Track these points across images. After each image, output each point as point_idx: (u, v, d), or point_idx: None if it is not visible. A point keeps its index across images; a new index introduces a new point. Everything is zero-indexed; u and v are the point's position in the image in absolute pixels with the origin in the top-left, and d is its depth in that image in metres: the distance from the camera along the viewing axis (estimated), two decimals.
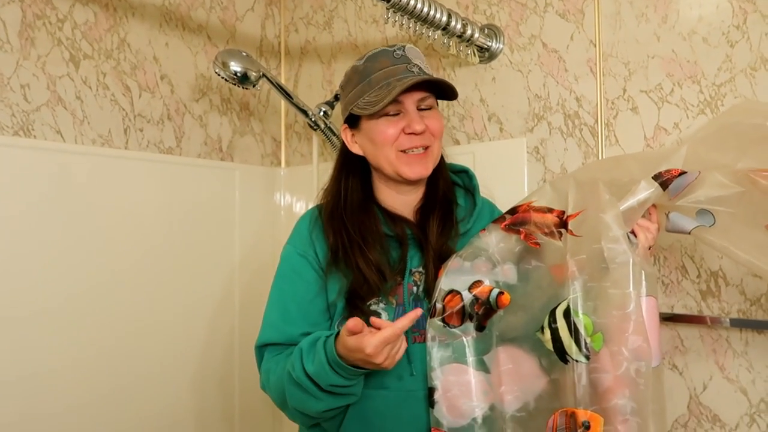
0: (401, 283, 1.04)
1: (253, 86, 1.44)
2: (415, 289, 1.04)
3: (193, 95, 1.67)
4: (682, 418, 1.20)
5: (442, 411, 0.94)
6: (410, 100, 1.04)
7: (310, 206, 1.79)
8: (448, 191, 1.12)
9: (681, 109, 1.20)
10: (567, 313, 0.88)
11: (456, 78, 1.53)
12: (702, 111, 1.18)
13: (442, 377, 0.95)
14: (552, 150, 1.37)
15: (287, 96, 1.52)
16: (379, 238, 1.06)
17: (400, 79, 1.02)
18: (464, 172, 1.18)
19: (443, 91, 1.08)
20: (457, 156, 1.44)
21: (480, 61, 1.46)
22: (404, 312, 1.02)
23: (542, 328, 0.90)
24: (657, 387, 0.88)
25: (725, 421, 1.16)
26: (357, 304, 1.02)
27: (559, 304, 0.89)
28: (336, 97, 1.58)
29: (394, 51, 1.06)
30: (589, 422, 0.83)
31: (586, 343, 0.86)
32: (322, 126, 1.56)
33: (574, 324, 0.87)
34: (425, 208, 1.10)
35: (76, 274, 1.37)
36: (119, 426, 1.44)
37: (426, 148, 1.06)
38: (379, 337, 0.86)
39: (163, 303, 1.54)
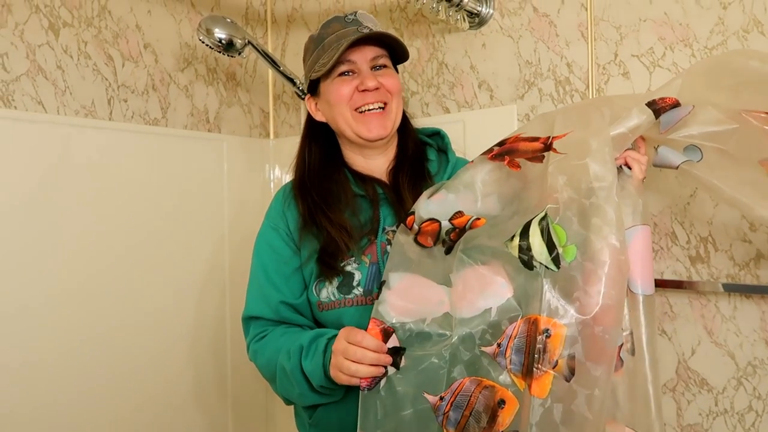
0: (374, 242, 1.05)
1: (239, 54, 1.41)
2: (388, 247, 1.03)
3: (177, 65, 1.64)
4: (670, 383, 1.22)
5: (386, 306, 0.89)
6: (362, 59, 1.06)
7: None
8: (417, 150, 1.14)
9: (673, 74, 1.19)
10: (543, 220, 0.85)
11: (446, 45, 1.50)
12: None
13: (398, 279, 0.92)
14: None
15: (274, 64, 1.49)
16: (346, 199, 1.08)
17: (349, 39, 1.03)
18: (437, 134, 1.19)
19: (396, 52, 1.10)
20: (447, 124, 1.42)
21: (470, 26, 1.43)
22: (378, 271, 1.03)
23: (512, 238, 0.86)
24: (649, 316, 0.86)
25: (713, 384, 1.17)
26: (329, 263, 1.04)
27: (536, 215, 0.86)
28: None
29: (346, 16, 1.08)
30: (549, 329, 0.79)
31: (558, 252, 0.82)
32: None
33: (548, 231, 0.83)
34: (396, 168, 1.11)
35: (60, 249, 1.35)
36: (115, 404, 1.44)
37: (383, 106, 1.07)
38: (370, 340, 0.87)
39: (150, 278, 1.53)
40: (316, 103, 1.14)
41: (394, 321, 0.89)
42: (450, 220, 0.94)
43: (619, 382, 0.86)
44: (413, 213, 0.97)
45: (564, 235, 0.83)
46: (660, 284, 1.19)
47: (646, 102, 0.89)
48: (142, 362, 1.51)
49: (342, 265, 1.03)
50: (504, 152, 0.96)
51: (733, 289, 1.13)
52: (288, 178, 1.83)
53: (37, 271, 1.31)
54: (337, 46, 1.03)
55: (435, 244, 0.94)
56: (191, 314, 1.63)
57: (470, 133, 1.44)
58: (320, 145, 1.15)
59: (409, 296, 0.91)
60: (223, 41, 1.38)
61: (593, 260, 0.81)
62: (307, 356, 0.97)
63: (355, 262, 1.04)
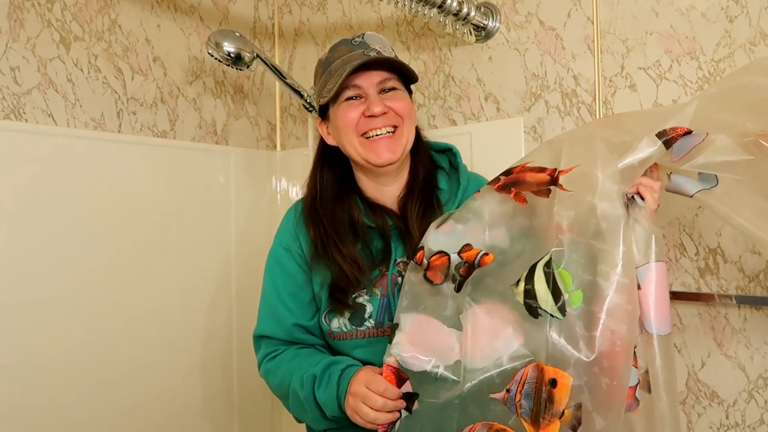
0: (386, 274, 1.04)
1: (247, 67, 1.42)
2: (399, 279, 1.03)
3: (186, 78, 1.65)
4: (680, 396, 1.21)
5: (399, 350, 0.89)
6: (368, 83, 1.04)
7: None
8: (429, 177, 1.10)
9: (680, 86, 1.19)
10: (548, 266, 0.82)
11: (452, 58, 1.51)
12: (701, 87, 1.17)
13: (410, 321, 0.91)
14: (549, 129, 1.36)
15: (281, 77, 1.50)
16: (357, 230, 1.05)
17: (354, 64, 1.01)
18: (449, 150, 1.16)
19: (404, 73, 1.07)
20: (454, 137, 1.42)
21: (476, 40, 1.44)
22: (389, 303, 1.03)
23: (517, 282, 0.85)
24: (665, 356, 0.83)
25: (723, 397, 1.17)
26: (340, 298, 1.03)
27: (542, 258, 0.84)
28: None
29: (353, 39, 1.06)
30: (556, 380, 0.78)
31: (563, 299, 0.80)
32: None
33: (553, 277, 0.81)
34: (406, 197, 1.08)
35: (69, 261, 1.36)
36: (118, 416, 1.44)
37: (393, 130, 1.04)
38: (392, 390, 0.88)
39: (158, 289, 1.53)
40: (327, 128, 1.12)
41: (407, 367, 0.89)
42: (459, 253, 0.93)
43: (635, 421, 0.84)
44: (422, 247, 0.96)
45: (570, 280, 0.81)
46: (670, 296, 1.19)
47: (657, 132, 0.85)
48: (147, 373, 1.50)
49: (353, 296, 1.03)
50: (510, 183, 0.93)
51: (743, 300, 1.13)
52: (295, 190, 1.85)
53: (44, 283, 1.32)
54: (342, 71, 1.01)
55: (445, 279, 0.93)
56: (199, 325, 1.63)
57: (477, 144, 1.45)
58: (332, 169, 1.12)
59: (421, 341, 0.90)
60: (232, 54, 1.39)
61: (600, 306, 0.79)
62: (320, 386, 0.98)
63: (366, 294, 1.03)
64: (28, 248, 1.29)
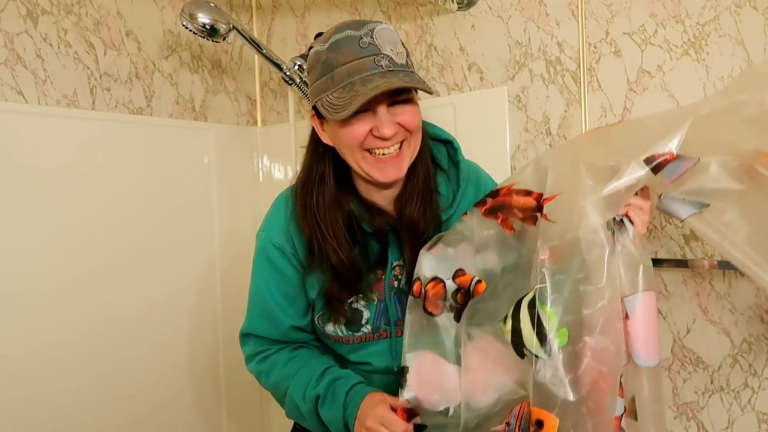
0: (382, 279, 1.01)
1: (224, 39, 1.38)
2: (396, 283, 1.01)
3: (161, 52, 1.60)
4: (665, 362, 1.21)
5: (409, 394, 0.91)
6: (379, 100, 0.90)
7: (289, 168, 1.77)
8: (428, 178, 1.02)
9: (665, 51, 1.18)
10: (532, 304, 0.80)
11: (434, 27, 1.48)
12: (686, 52, 1.16)
13: (415, 361, 0.92)
14: (534, 98, 1.34)
15: (259, 49, 1.46)
16: (355, 234, 0.99)
17: (364, 79, 0.87)
18: (449, 143, 1.08)
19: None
20: (437, 108, 1.40)
21: (458, 7, 1.41)
22: (385, 308, 1.01)
23: (505, 318, 0.84)
24: (653, 388, 0.81)
25: (708, 362, 1.17)
26: (337, 308, 1.00)
27: (527, 294, 0.82)
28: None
29: (361, 38, 0.88)
30: (542, 421, 0.77)
31: (548, 338, 0.78)
32: (298, 80, 1.51)
33: (538, 316, 0.79)
34: (405, 200, 1.01)
35: (43, 247, 1.32)
36: (107, 405, 1.42)
37: (400, 146, 0.94)
38: (403, 427, 0.90)
39: (139, 273, 1.50)
40: (322, 125, 0.97)
41: (419, 407, 0.91)
42: (453, 278, 0.92)
43: None
44: (418, 278, 0.94)
45: (555, 318, 0.79)
46: (654, 263, 1.18)
47: (645, 157, 0.81)
48: (135, 364, 1.48)
49: (349, 302, 1.00)
50: (497, 207, 0.91)
51: (727, 266, 1.12)
52: (278, 167, 1.82)
53: (19, 266, 1.28)
54: (349, 85, 0.87)
55: (444, 310, 0.92)
56: (183, 308, 1.60)
57: (461, 116, 1.42)
58: (329, 169, 1.00)
59: (429, 381, 0.91)
60: (207, 26, 1.35)
61: (585, 346, 0.78)
62: (324, 404, 0.97)
63: (363, 299, 1.01)
64: None
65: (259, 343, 1.06)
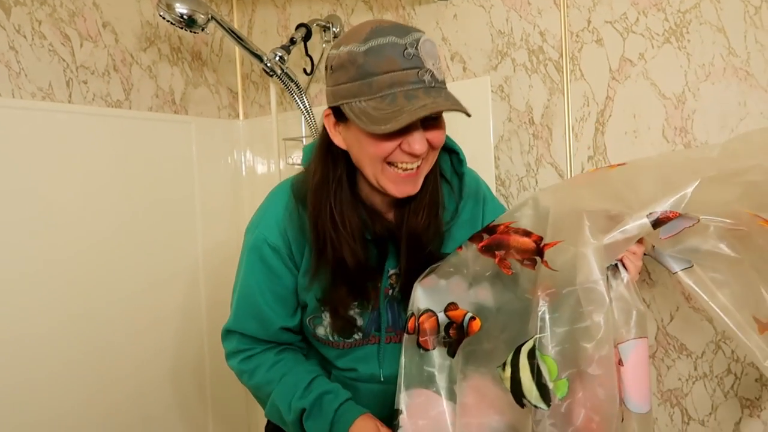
0: (378, 286, 0.99)
1: (202, 30, 1.36)
2: (390, 291, 1.00)
3: (139, 44, 1.57)
4: (649, 350, 1.22)
5: None
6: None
7: (272, 161, 1.75)
8: (436, 194, 1.00)
9: (646, 39, 1.18)
10: (532, 354, 0.80)
11: (416, 17, 1.46)
12: (667, 40, 1.16)
13: (408, 401, 0.92)
14: (517, 88, 1.33)
15: (239, 40, 1.44)
16: (360, 245, 0.96)
17: (407, 93, 0.83)
18: (455, 153, 1.05)
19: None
20: None
21: None
22: (378, 316, 1.00)
23: (504, 365, 0.84)
24: None
25: (692, 349, 1.18)
26: (339, 310, 0.99)
27: (526, 342, 0.82)
28: (292, 41, 1.50)
29: (406, 47, 0.83)
30: None
31: (548, 389, 0.79)
32: (279, 72, 1.49)
33: (538, 367, 0.79)
34: (411, 212, 0.98)
35: (21, 243, 1.29)
36: (82, 399, 1.40)
37: (421, 162, 0.91)
38: None
39: (119, 268, 1.48)
40: (336, 123, 0.92)
41: None
42: (445, 312, 0.92)
43: None
44: (412, 314, 0.94)
45: (555, 369, 0.80)
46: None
47: (648, 213, 0.81)
48: (117, 353, 1.47)
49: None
50: (494, 245, 0.90)
51: None
52: (260, 160, 1.80)
53: None
54: (391, 97, 0.83)
55: (437, 345, 0.92)
56: (164, 302, 1.58)
57: None
58: (344, 171, 0.96)
59: (423, 419, 0.91)
60: (184, 16, 1.32)
61: (583, 396, 0.79)
62: (310, 417, 0.96)
63: (357, 307, 1.00)
64: None
65: (244, 341, 1.03)
